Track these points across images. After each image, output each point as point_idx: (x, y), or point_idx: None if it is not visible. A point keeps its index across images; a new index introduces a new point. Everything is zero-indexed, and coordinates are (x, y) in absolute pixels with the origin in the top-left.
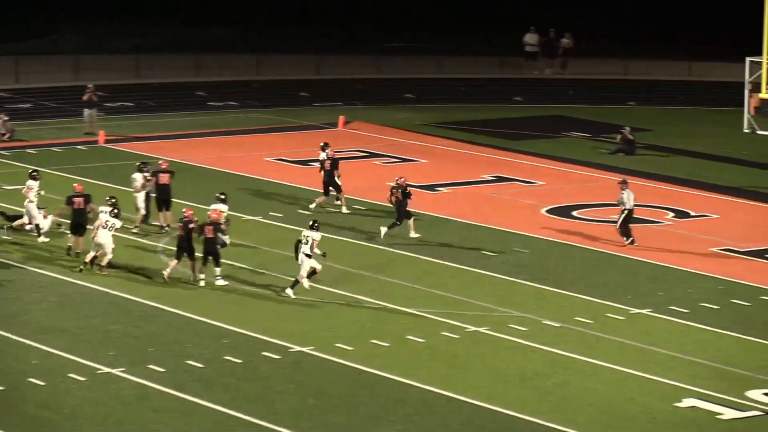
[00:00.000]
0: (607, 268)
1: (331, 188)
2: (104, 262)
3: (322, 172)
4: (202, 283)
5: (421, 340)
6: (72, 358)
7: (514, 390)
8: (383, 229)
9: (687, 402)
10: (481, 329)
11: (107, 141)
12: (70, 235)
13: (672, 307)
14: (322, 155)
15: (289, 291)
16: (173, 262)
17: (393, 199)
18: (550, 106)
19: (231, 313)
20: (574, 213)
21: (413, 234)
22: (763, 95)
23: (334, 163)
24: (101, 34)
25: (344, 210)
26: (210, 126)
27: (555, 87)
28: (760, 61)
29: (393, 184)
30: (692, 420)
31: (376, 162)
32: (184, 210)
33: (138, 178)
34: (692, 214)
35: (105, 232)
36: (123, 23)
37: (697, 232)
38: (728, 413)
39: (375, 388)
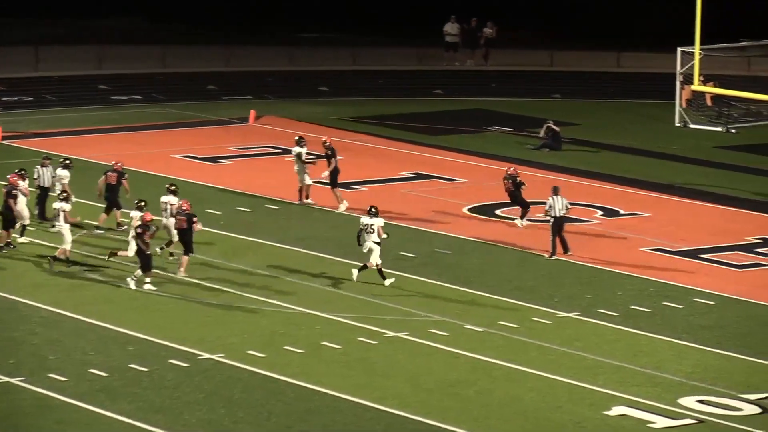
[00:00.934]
0: (532, 269)
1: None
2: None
3: (330, 166)
4: (132, 285)
5: (337, 347)
6: None
7: (436, 398)
8: (519, 221)
9: (617, 410)
10: (400, 334)
11: (4, 137)
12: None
13: (601, 311)
14: (297, 150)
15: (387, 282)
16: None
17: (506, 189)
18: (471, 99)
19: (136, 318)
20: (498, 212)
21: (520, 223)
22: (695, 87)
23: (333, 153)
24: None
25: (342, 208)
26: (113, 121)
27: (477, 79)
28: (692, 52)
29: (505, 175)
30: (623, 428)
31: (289, 159)
32: (181, 203)
33: (64, 175)
34: (622, 212)
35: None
36: (20, 14)
37: (627, 231)
38: (660, 421)
39: (288, 397)
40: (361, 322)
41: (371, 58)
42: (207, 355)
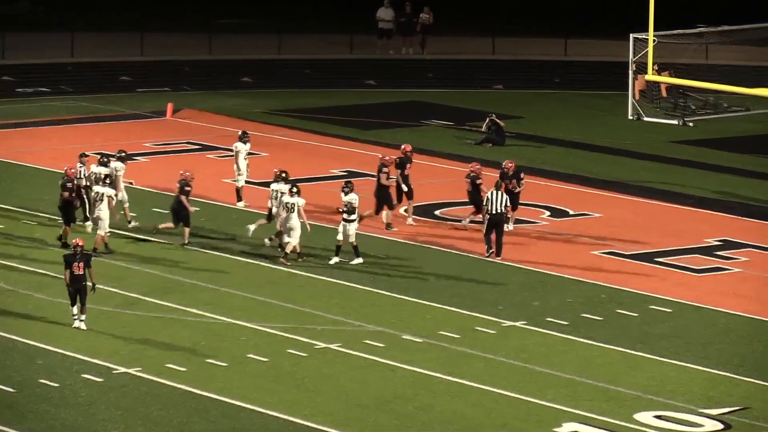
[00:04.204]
0: (475, 274)
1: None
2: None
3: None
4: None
5: (264, 360)
6: None
7: (371, 415)
8: (465, 220)
9: (568, 426)
10: (332, 346)
11: None
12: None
13: (549, 319)
14: (239, 146)
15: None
16: (169, 224)
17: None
18: (407, 90)
19: (44, 329)
20: (437, 212)
21: (465, 222)
22: (649, 77)
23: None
24: None
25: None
26: (19, 115)
27: (413, 69)
28: (646, 39)
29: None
30: None
31: (210, 156)
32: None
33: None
34: (571, 212)
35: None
36: None
37: (577, 233)
38: None
39: (212, 415)
40: (290, 332)
41: (298, 47)
42: (123, 369)
